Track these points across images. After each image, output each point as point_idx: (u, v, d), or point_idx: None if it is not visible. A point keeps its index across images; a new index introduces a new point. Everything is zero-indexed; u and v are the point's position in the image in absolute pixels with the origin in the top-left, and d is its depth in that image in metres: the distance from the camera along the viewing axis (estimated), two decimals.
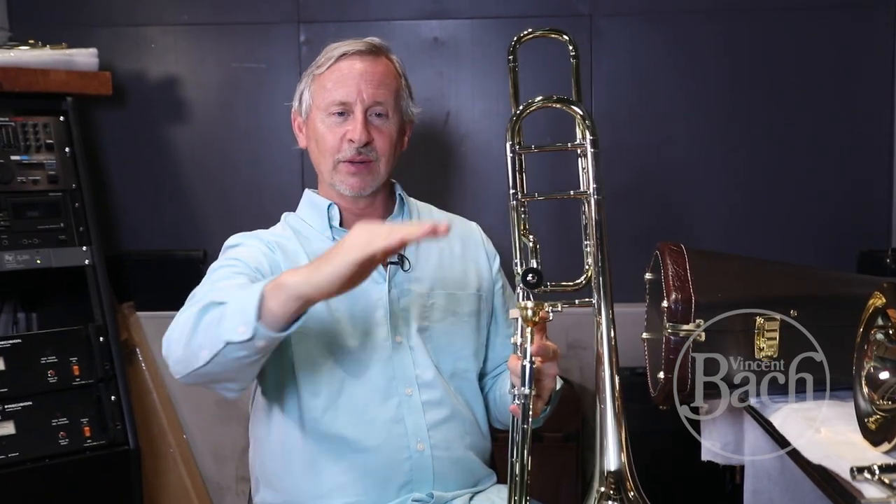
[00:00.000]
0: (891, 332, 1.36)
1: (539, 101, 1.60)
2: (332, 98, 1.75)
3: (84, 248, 2.64)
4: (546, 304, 1.44)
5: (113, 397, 2.57)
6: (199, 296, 1.56)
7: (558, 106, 1.60)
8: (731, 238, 2.97)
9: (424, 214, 1.95)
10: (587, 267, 1.55)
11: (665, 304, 1.64)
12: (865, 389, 1.39)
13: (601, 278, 1.49)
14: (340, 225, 1.81)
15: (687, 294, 1.63)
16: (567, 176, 1.76)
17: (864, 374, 1.39)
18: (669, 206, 3.00)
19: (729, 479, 2.62)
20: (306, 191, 1.88)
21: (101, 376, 2.55)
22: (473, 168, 3.00)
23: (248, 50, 3.02)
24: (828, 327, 1.61)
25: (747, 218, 2.99)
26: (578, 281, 1.57)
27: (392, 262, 1.78)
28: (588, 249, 1.56)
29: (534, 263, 1.51)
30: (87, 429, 2.51)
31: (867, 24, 2.92)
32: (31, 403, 2.45)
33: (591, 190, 1.59)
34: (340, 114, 1.75)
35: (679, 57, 2.97)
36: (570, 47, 1.84)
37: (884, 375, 1.36)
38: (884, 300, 1.37)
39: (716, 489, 2.68)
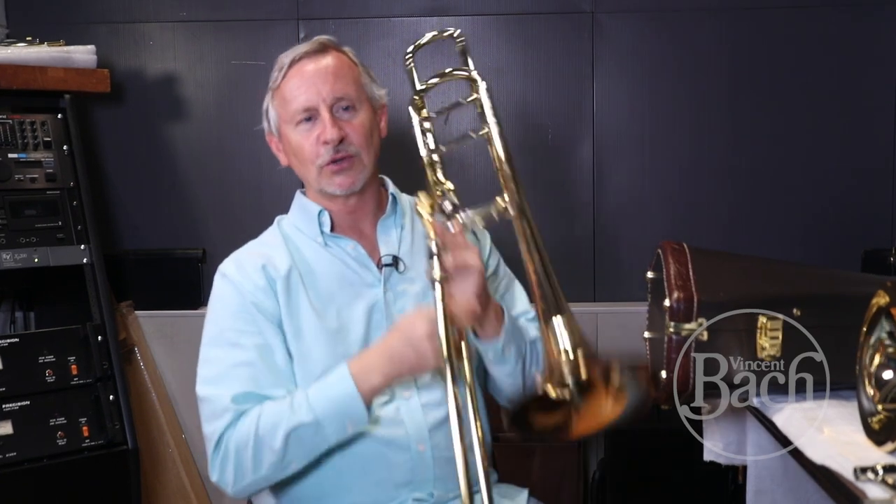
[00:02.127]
0: (895, 331, 1.35)
1: (435, 79, 1.77)
2: (294, 107, 1.72)
3: (82, 246, 2.63)
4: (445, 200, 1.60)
5: (111, 397, 2.55)
6: (224, 413, 1.69)
7: (456, 75, 1.74)
8: (734, 237, 2.96)
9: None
10: (502, 201, 1.56)
11: (667, 302, 1.62)
12: (869, 389, 1.37)
13: (518, 212, 1.52)
14: (332, 230, 1.79)
15: (689, 293, 1.62)
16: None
17: (867, 373, 1.38)
18: (671, 204, 2.99)
19: (731, 479, 2.61)
20: (297, 193, 1.86)
21: (99, 376, 2.54)
22: (473, 165, 2.99)
23: (248, 47, 3.01)
24: (831, 326, 1.59)
25: (750, 216, 2.98)
26: (499, 205, 1.57)
27: (387, 265, 1.76)
28: (503, 183, 1.57)
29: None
30: (85, 428, 2.50)
31: (871, 22, 2.90)
32: (28, 403, 2.43)
33: (492, 124, 1.63)
34: (308, 119, 1.73)
35: (681, 54, 2.96)
36: (458, 40, 1.84)
37: (887, 375, 1.35)
38: (888, 299, 1.35)
39: (718, 489, 2.67)
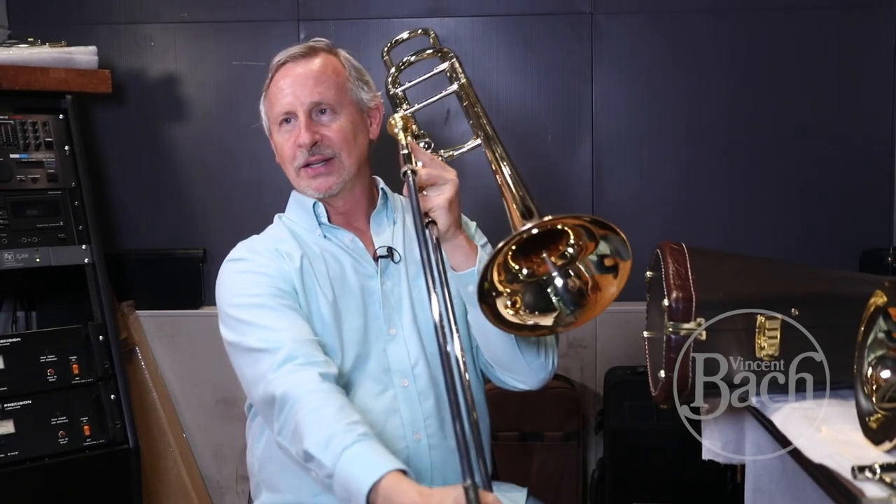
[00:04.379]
0: (892, 330, 1.35)
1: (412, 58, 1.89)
2: (277, 110, 1.76)
3: (83, 246, 2.64)
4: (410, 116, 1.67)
5: (112, 396, 2.57)
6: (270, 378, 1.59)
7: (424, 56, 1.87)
8: (733, 237, 2.97)
9: (407, 208, 1.93)
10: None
11: (666, 302, 1.63)
12: (867, 388, 1.38)
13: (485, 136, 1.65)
14: (329, 221, 1.81)
15: (688, 293, 1.62)
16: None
17: (865, 372, 1.39)
18: (670, 204, 3.00)
19: (730, 478, 2.62)
20: (293, 192, 1.88)
21: (100, 375, 2.55)
22: (473, 165, 2.99)
23: (248, 48, 3.01)
24: (829, 326, 1.60)
25: (748, 216, 2.98)
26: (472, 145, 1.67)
27: (382, 256, 1.78)
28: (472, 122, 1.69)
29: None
30: (86, 427, 2.51)
31: (868, 22, 2.91)
32: (30, 402, 2.45)
33: (458, 85, 1.77)
34: (287, 121, 1.76)
35: (680, 55, 2.97)
36: (432, 41, 1.98)
37: (885, 374, 1.36)
38: (885, 299, 1.36)
39: (717, 488, 2.68)
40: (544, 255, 1.50)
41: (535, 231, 1.39)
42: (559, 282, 1.50)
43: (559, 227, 1.44)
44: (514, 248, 1.45)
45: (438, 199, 1.57)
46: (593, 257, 1.47)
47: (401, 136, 1.63)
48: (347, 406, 1.55)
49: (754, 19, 2.94)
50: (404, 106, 1.76)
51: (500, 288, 1.49)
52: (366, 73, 1.86)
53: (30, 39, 2.70)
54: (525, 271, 1.51)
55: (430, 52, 1.88)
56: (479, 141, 1.67)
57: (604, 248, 1.46)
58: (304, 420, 1.52)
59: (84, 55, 2.73)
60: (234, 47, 3.03)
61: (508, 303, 1.49)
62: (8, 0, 3.03)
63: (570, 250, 1.49)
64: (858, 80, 2.93)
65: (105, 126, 3.06)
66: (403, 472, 1.42)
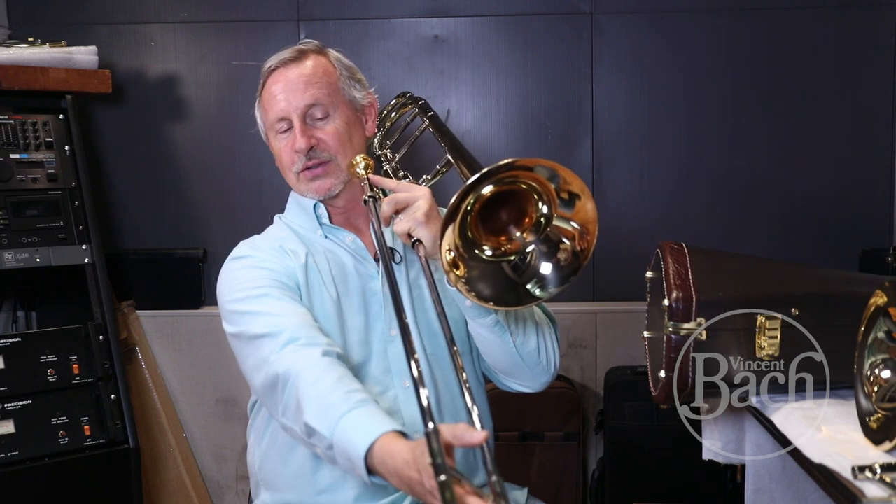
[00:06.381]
0: (893, 330, 1.35)
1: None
2: (271, 117, 1.77)
3: (83, 246, 2.64)
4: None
5: (112, 396, 2.57)
6: (276, 361, 1.58)
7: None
8: (733, 236, 2.97)
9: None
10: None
11: (666, 302, 1.63)
12: (867, 388, 1.38)
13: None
14: (330, 222, 1.81)
15: (688, 293, 1.62)
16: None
17: (865, 372, 1.39)
18: (670, 203, 3.00)
19: (730, 478, 2.62)
20: (292, 192, 1.88)
21: (100, 375, 2.55)
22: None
23: (248, 48, 3.01)
24: (829, 326, 1.60)
25: (748, 216, 2.98)
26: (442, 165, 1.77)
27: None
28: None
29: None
30: (86, 427, 2.51)
31: (868, 22, 2.91)
32: (30, 402, 2.45)
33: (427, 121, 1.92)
34: (285, 129, 1.77)
35: (680, 55, 2.97)
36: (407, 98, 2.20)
37: (885, 374, 1.36)
38: (885, 299, 1.36)
39: (717, 488, 2.68)
40: (518, 233, 1.57)
41: (486, 190, 1.48)
42: (547, 267, 1.53)
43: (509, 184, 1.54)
44: (484, 236, 1.53)
45: (416, 216, 1.56)
46: (560, 202, 1.55)
47: (361, 174, 1.70)
48: (347, 376, 1.53)
49: (754, 19, 2.94)
50: (388, 157, 1.89)
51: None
52: (357, 71, 1.85)
53: (30, 39, 2.70)
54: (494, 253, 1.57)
55: (395, 113, 2.06)
56: (447, 158, 1.72)
57: (557, 185, 1.55)
58: (304, 394, 1.50)
59: (84, 55, 2.73)
60: (234, 47, 3.03)
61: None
62: (8, 0, 3.03)
63: (544, 210, 1.56)
64: (858, 78, 2.93)
65: (105, 126, 3.06)
66: (402, 433, 1.40)
